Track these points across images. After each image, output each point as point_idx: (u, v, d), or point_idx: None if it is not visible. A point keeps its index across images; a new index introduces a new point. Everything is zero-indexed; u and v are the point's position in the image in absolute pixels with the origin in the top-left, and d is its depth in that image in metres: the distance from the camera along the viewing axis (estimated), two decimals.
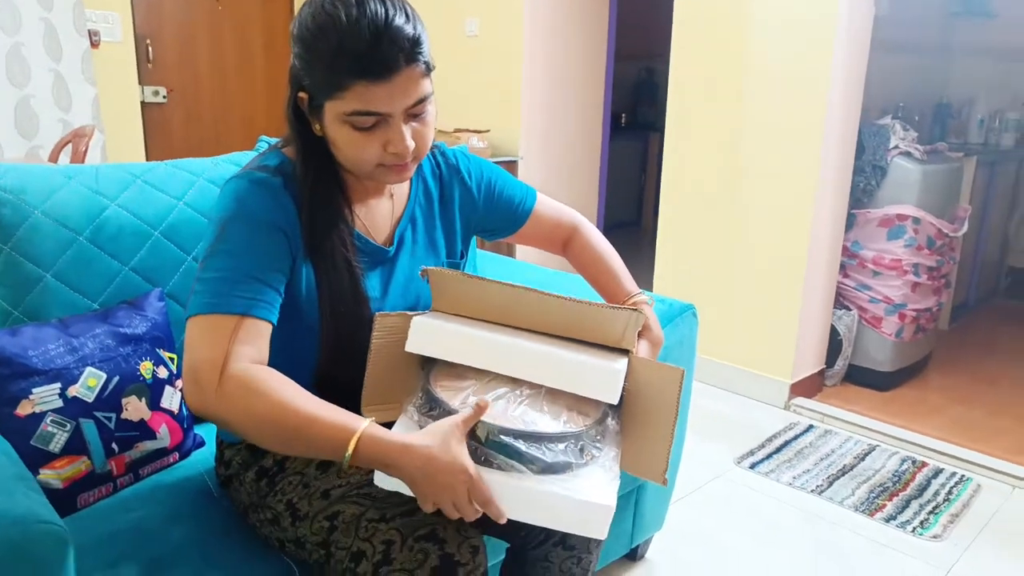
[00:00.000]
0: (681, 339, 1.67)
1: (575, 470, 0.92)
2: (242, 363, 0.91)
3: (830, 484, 2.22)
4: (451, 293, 1.06)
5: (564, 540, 1.17)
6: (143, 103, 3.80)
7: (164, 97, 3.90)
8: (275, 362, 0.97)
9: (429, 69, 1.01)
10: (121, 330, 1.27)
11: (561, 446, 0.92)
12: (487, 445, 0.91)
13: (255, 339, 0.94)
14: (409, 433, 0.90)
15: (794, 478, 2.26)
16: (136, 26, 3.68)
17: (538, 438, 0.91)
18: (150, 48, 3.80)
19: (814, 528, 2.02)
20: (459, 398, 0.97)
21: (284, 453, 1.07)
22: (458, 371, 1.03)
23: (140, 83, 3.76)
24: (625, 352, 1.05)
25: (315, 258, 1.05)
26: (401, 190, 1.20)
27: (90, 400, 1.20)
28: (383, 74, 0.94)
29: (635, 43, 5.38)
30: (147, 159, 3.76)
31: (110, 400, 1.22)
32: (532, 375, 0.99)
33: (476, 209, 1.28)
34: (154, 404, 1.28)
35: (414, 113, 1.01)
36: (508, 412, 0.95)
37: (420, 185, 1.23)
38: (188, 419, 1.36)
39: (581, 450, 0.94)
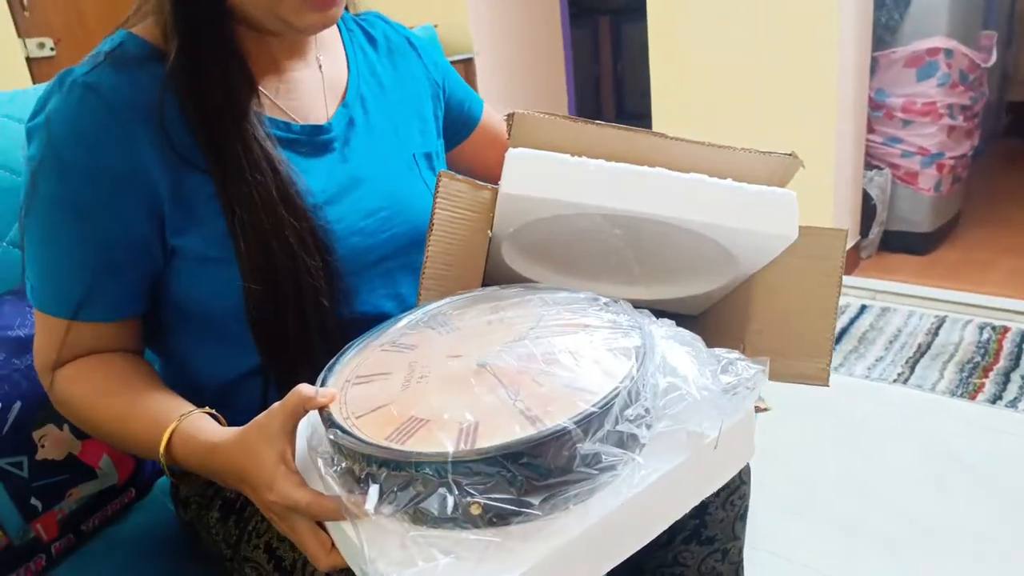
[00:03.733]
0: None
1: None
2: (68, 370, 0.72)
3: (912, 369, 1.93)
4: (541, 142, 0.71)
5: (698, 532, 0.82)
6: (29, 59, 3.24)
7: (52, 49, 3.33)
8: (201, 351, 0.77)
9: None
10: (11, 334, 0.86)
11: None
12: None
13: (92, 343, 0.72)
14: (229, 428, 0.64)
15: (868, 369, 1.95)
16: None
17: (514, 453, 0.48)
18: None
19: (913, 425, 1.73)
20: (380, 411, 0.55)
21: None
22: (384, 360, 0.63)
23: (20, 36, 3.19)
24: None
25: (213, 165, 0.69)
26: (334, 59, 0.83)
27: None
28: None
29: None
30: None
31: (15, 438, 0.83)
32: (677, 208, 0.69)
33: (439, 96, 0.94)
34: None
35: None
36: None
37: (359, 56, 0.86)
38: None
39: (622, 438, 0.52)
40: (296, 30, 0.72)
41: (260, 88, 0.74)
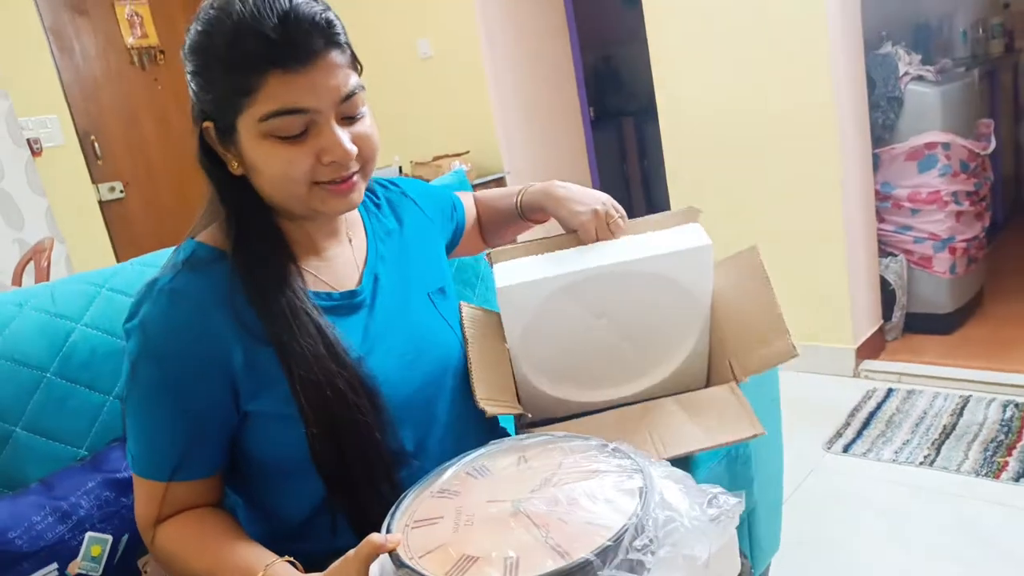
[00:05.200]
0: None
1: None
2: (165, 528, 0.86)
3: (938, 451, 1.99)
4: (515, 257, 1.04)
5: None
6: (101, 202, 3.57)
7: (121, 192, 3.67)
8: (274, 493, 0.90)
9: (355, 60, 0.85)
10: (119, 476, 1.04)
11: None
12: None
13: (186, 499, 0.86)
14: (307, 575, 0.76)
15: (895, 453, 2.03)
16: (77, 125, 3.45)
17: None
18: (96, 144, 3.57)
19: (940, 506, 1.79)
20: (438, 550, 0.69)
21: None
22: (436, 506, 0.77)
23: (93, 182, 3.53)
24: None
25: (271, 335, 0.83)
26: (357, 231, 1.00)
27: (98, 574, 0.96)
28: (300, 59, 0.77)
29: (588, 32, 5.19)
30: (117, 259, 3.53)
31: (123, 567, 0.99)
32: (624, 255, 0.99)
33: (434, 227, 1.11)
34: None
35: (348, 114, 0.83)
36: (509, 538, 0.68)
37: (374, 221, 1.03)
38: None
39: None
40: (324, 215, 0.89)
41: (304, 267, 0.90)
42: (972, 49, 3.94)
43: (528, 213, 1.15)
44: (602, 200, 1.06)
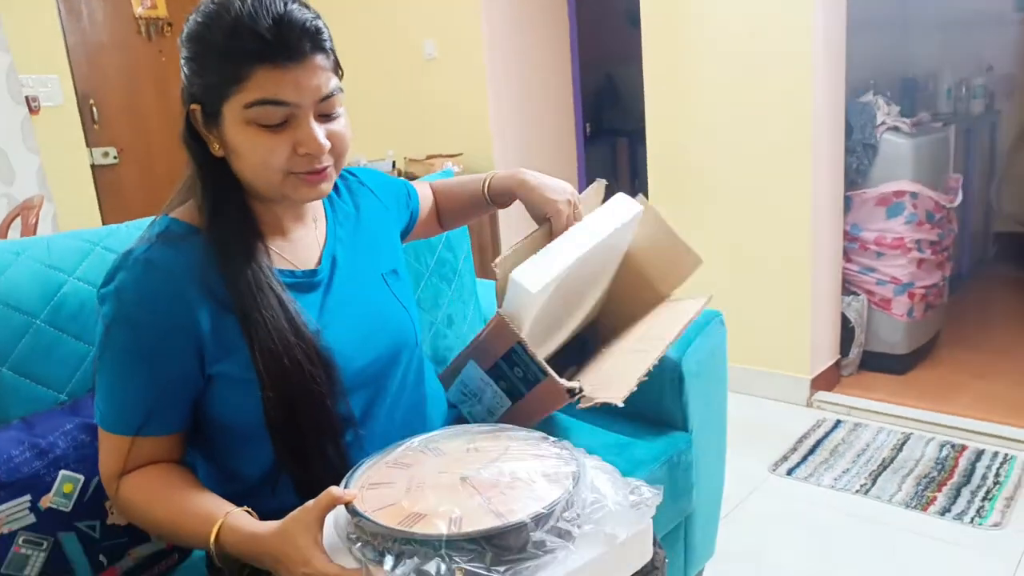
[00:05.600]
0: (712, 349, 1.54)
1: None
2: (130, 480, 0.91)
3: (874, 481, 2.10)
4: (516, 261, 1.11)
5: None
6: (93, 166, 3.60)
7: (115, 157, 3.70)
8: (232, 454, 0.97)
9: (338, 66, 0.92)
10: (92, 422, 1.10)
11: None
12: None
13: (149, 454, 0.92)
14: (265, 521, 0.83)
15: (835, 479, 2.13)
16: (77, 87, 3.49)
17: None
18: (94, 108, 3.61)
19: (869, 532, 1.89)
20: (391, 504, 0.77)
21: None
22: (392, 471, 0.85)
23: (88, 145, 3.57)
24: None
25: (237, 305, 0.90)
26: (322, 216, 1.07)
27: (68, 509, 1.03)
28: (289, 56, 0.85)
29: (592, 49, 5.30)
30: (103, 224, 3.55)
31: (92, 505, 1.05)
32: (601, 232, 1.11)
33: (389, 214, 1.19)
34: None
35: (325, 112, 0.91)
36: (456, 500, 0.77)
37: (331, 205, 1.11)
38: None
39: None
40: (295, 201, 0.97)
41: (270, 246, 0.97)
42: (954, 106, 4.09)
43: (496, 198, 1.24)
44: (570, 190, 1.17)
